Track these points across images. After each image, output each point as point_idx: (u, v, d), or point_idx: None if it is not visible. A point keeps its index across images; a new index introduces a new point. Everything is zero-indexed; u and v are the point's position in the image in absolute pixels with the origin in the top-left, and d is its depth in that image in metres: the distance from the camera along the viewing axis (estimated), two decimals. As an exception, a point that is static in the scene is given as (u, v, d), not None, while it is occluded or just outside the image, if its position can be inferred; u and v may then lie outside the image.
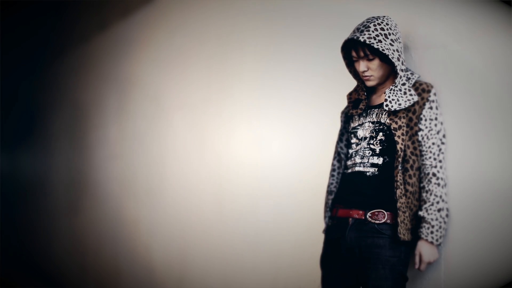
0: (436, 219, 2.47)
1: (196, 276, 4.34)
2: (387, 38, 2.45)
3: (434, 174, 2.49)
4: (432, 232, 2.47)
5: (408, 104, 2.49)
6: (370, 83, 2.58)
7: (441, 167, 2.50)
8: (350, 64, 2.64)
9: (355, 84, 2.71)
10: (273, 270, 3.55)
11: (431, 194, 2.49)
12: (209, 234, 4.20)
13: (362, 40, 2.44)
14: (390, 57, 2.45)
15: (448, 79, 2.53)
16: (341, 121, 2.73)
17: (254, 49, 3.83)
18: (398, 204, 2.47)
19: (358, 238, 2.51)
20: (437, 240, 2.48)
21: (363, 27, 2.48)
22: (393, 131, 2.49)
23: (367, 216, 2.50)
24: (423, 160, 2.51)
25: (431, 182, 2.49)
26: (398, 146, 2.48)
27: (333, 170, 2.73)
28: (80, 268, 6.44)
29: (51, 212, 7.49)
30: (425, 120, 2.50)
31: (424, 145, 2.51)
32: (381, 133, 2.53)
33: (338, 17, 3.16)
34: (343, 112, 2.74)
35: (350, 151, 2.62)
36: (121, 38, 5.73)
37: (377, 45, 2.43)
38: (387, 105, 2.50)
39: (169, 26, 4.88)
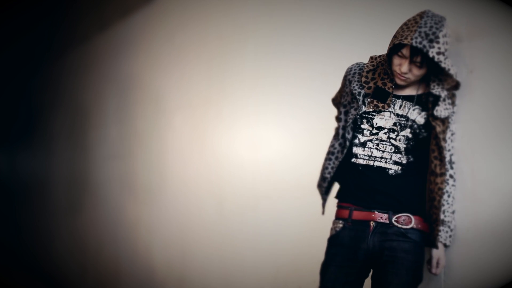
0: (452, 222, 2.41)
1: (196, 276, 4.34)
2: (446, 53, 2.27)
3: (451, 176, 2.41)
4: (450, 236, 2.41)
5: (447, 113, 2.36)
6: (401, 83, 2.35)
7: (455, 169, 2.43)
8: (388, 56, 2.37)
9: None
10: (273, 270, 3.55)
11: (449, 196, 2.40)
12: (209, 234, 4.20)
13: (431, 55, 2.21)
14: (454, 76, 2.31)
15: (448, 79, 2.52)
16: (357, 99, 2.43)
17: (255, 49, 3.83)
18: (442, 216, 2.37)
19: (382, 242, 2.36)
20: (450, 242, 2.42)
21: (432, 35, 2.22)
22: (438, 135, 2.34)
23: (393, 221, 2.37)
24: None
25: (448, 183, 2.40)
26: (445, 152, 2.35)
27: (331, 153, 2.51)
28: (81, 268, 6.44)
29: (51, 212, 7.50)
30: (450, 123, 2.41)
31: (446, 147, 2.38)
32: (408, 130, 2.38)
33: (338, 17, 3.16)
34: (358, 93, 2.44)
35: (361, 138, 2.42)
36: (121, 38, 5.73)
37: (444, 65, 2.25)
38: (436, 110, 2.33)
39: (169, 26, 4.88)
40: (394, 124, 2.39)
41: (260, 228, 3.69)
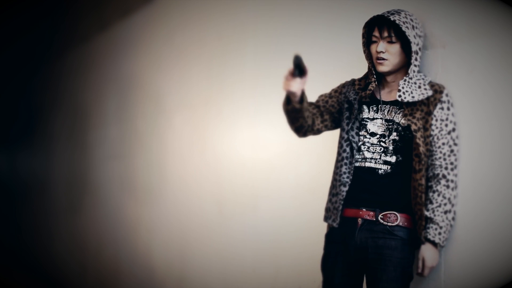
0: (443, 221, 2.43)
1: (196, 276, 4.34)
2: (413, 30, 2.42)
3: (444, 176, 2.43)
4: (440, 234, 2.42)
5: (422, 97, 2.42)
6: (382, 68, 2.48)
7: (452, 169, 2.44)
8: (366, 45, 2.54)
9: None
10: (273, 270, 3.55)
11: (439, 195, 2.43)
12: (209, 234, 4.20)
13: (392, 19, 2.39)
14: (412, 43, 2.41)
15: (448, 79, 2.53)
16: (353, 108, 2.55)
17: (255, 49, 3.83)
18: (425, 212, 2.42)
19: (368, 239, 2.44)
20: (443, 242, 2.43)
21: (394, 11, 2.44)
22: (413, 133, 2.42)
23: (379, 218, 2.44)
24: (432, 160, 2.44)
25: (440, 183, 2.43)
26: (421, 149, 2.41)
27: (346, 158, 2.53)
28: (81, 268, 6.44)
29: (51, 212, 7.50)
30: (436, 120, 2.43)
31: (434, 145, 2.43)
32: (395, 133, 2.46)
33: (338, 17, 3.17)
34: (353, 99, 2.56)
35: (357, 142, 2.53)
36: (121, 38, 5.73)
37: (405, 29, 2.39)
38: (400, 96, 2.43)
39: (169, 26, 4.88)
40: (384, 130, 2.49)
41: (260, 228, 3.69)
